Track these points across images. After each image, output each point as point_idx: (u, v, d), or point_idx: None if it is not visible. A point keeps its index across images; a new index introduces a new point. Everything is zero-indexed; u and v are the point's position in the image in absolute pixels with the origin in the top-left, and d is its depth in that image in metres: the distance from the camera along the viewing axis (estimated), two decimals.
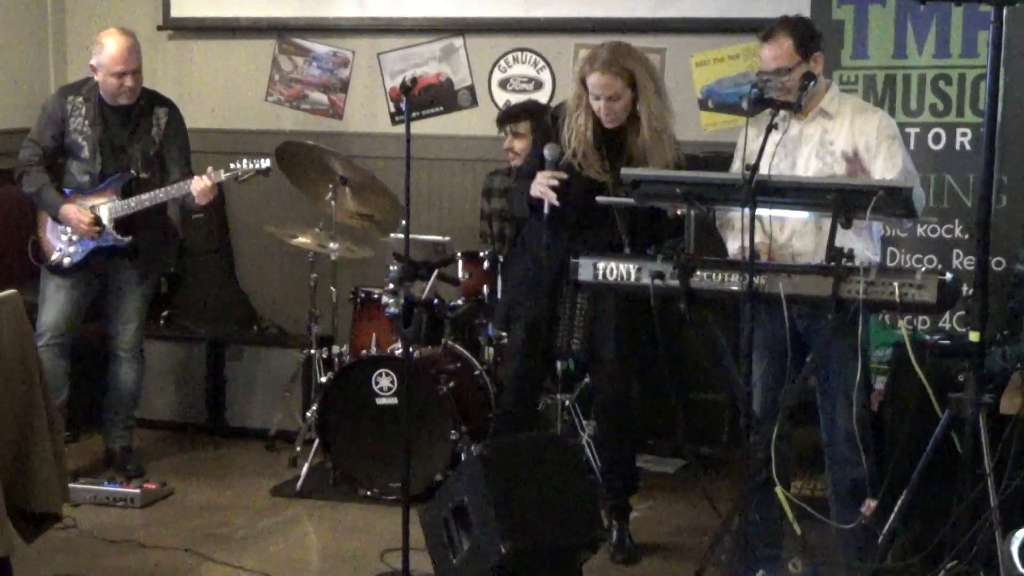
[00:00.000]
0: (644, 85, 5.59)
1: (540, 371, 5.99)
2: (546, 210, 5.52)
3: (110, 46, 6.46)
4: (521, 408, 5.94)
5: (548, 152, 5.59)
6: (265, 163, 6.56)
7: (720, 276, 4.80)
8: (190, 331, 7.72)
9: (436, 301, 6.61)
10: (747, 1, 7.11)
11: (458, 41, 7.72)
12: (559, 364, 6.23)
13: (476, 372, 6.64)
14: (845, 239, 4.72)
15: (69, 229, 6.54)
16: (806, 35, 5.17)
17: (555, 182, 5.49)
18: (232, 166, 6.50)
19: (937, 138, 6.57)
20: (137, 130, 6.59)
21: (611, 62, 5.53)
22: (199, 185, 6.38)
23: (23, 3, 8.20)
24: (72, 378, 6.72)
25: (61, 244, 6.58)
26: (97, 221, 6.50)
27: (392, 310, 6.52)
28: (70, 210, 6.50)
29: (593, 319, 5.67)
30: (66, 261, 6.58)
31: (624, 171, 5.14)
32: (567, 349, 5.73)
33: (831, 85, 5.30)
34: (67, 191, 6.57)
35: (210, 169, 6.44)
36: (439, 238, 6.90)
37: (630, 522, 5.98)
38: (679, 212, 5.12)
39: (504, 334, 6.23)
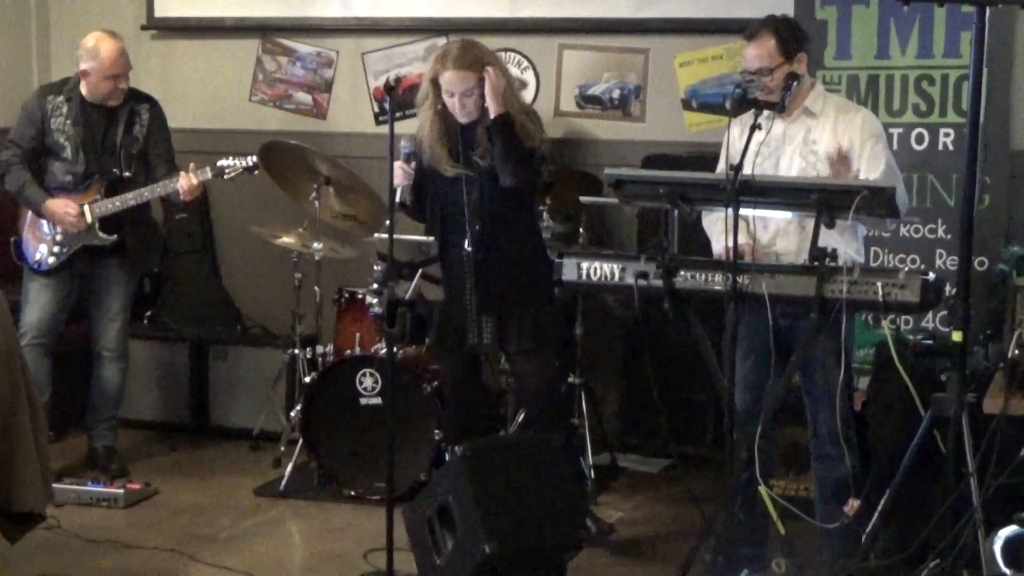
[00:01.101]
0: (495, 74, 5.61)
1: (470, 370, 6.01)
2: (397, 196, 5.58)
3: (105, 51, 6.45)
4: (466, 415, 5.99)
5: (403, 144, 5.66)
6: (251, 160, 6.56)
7: (704, 276, 4.81)
8: (174, 331, 7.71)
9: (420, 301, 6.61)
10: (730, 1, 7.10)
11: (442, 41, 7.70)
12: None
13: None
14: (828, 239, 4.73)
15: (54, 228, 6.52)
16: (790, 35, 5.18)
17: (398, 171, 5.56)
18: (218, 164, 6.50)
19: (920, 138, 6.58)
20: (120, 128, 6.58)
21: (461, 60, 5.58)
22: (185, 183, 6.38)
23: (6, 3, 8.17)
24: (56, 378, 6.72)
25: (44, 244, 6.57)
26: (80, 220, 6.48)
27: (376, 310, 6.52)
28: (55, 204, 6.48)
29: (497, 312, 5.70)
30: (50, 261, 6.57)
31: (608, 171, 5.14)
32: (480, 344, 5.76)
33: (815, 84, 5.31)
34: (51, 191, 6.56)
35: (192, 166, 6.43)
36: (423, 238, 6.88)
37: (607, 520, 6.00)
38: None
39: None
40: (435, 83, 5.62)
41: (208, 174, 6.45)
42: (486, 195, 5.62)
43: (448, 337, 5.83)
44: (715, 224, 5.24)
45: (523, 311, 5.69)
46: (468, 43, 5.70)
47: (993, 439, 4.46)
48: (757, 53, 5.16)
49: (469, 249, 5.64)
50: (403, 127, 7.24)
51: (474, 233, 5.64)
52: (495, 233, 5.63)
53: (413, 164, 5.64)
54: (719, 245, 5.19)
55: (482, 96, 5.58)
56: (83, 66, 6.52)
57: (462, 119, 5.63)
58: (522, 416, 6.45)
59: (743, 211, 4.69)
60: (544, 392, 5.85)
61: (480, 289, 5.67)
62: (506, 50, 7.56)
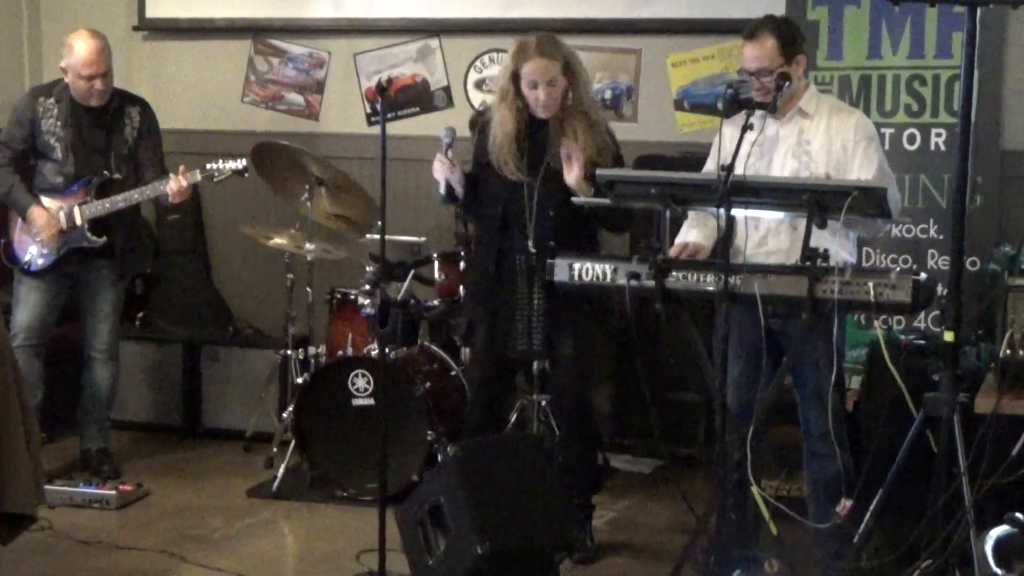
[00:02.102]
0: (578, 71, 5.64)
1: (505, 376, 5.98)
2: (441, 191, 5.57)
3: (79, 48, 6.44)
4: (487, 416, 5.93)
5: (441, 133, 5.63)
6: (241, 163, 6.55)
7: (695, 276, 4.81)
8: (166, 332, 7.71)
9: (412, 302, 6.61)
10: (722, 2, 7.11)
11: (434, 42, 7.71)
12: (535, 364, 6.22)
13: (452, 373, 6.64)
14: (820, 239, 4.73)
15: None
16: (790, 36, 5.17)
17: (441, 163, 5.55)
18: (208, 166, 6.49)
19: (912, 138, 6.59)
20: (110, 130, 6.58)
21: (544, 47, 5.56)
22: (175, 185, 6.37)
23: None
24: (47, 379, 6.71)
25: (34, 246, 6.56)
26: (65, 228, 6.46)
27: (368, 311, 6.52)
28: (38, 213, 6.47)
29: (550, 318, 5.67)
30: (39, 262, 6.56)
31: (599, 172, 5.14)
32: (528, 350, 5.73)
33: (809, 85, 5.31)
34: (41, 192, 6.55)
35: (182, 168, 6.43)
36: (415, 239, 6.90)
37: (594, 520, 5.98)
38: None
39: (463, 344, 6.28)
40: (515, 78, 5.57)
41: (198, 177, 6.45)
42: (551, 201, 5.58)
43: (497, 342, 5.77)
44: (688, 221, 5.25)
45: (575, 319, 5.66)
46: (546, 35, 5.66)
47: (984, 439, 4.47)
48: (757, 53, 5.14)
49: (533, 251, 5.59)
50: (395, 128, 7.28)
51: (538, 239, 5.60)
52: (556, 240, 5.55)
53: (451, 154, 5.60)
54: (680, 238, 5.20)
55: (564, 89, 5.57)
56: (62, 63, 6.52)
57: (543, 113, 5.57)
58: (515, 418, 6.46)
59: (735, 211, 4.69)
60: (580, 399, 5.85)
61: (539, 295, 5.64)
62: (497, 51, 7.56)
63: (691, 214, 5.21)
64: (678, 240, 5.20)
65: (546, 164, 5.58)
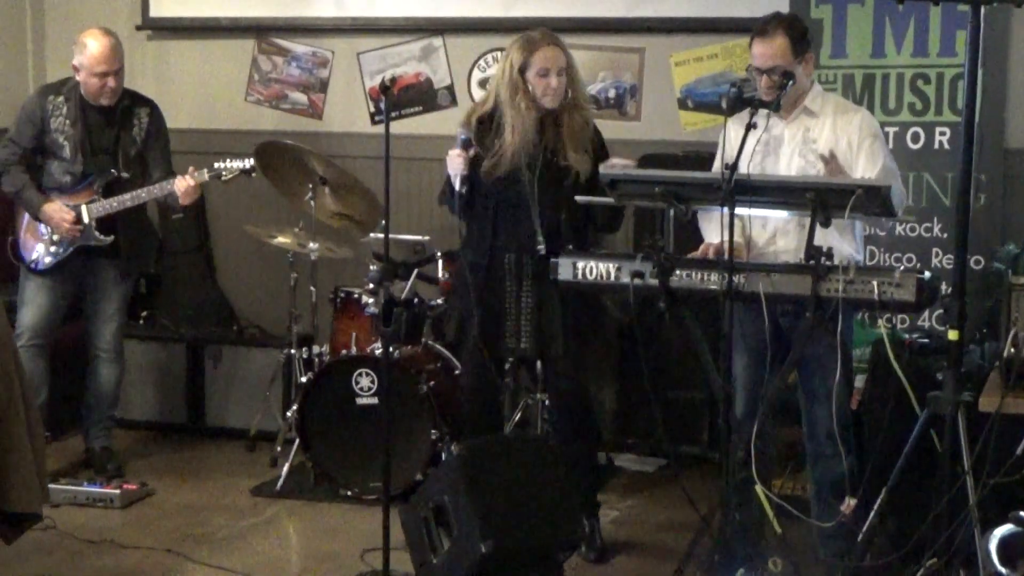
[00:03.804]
0: (575, 67, 5.68)
1: (497, 374, 5.96)
2: (456, 186, 5.57)
3: (92, 46, 6.44)
4: (481, 414, 5.94)
5: (460, 131, 5.64)
6: (249, 163, 6.55)
7: (700, 275, 4.81)
8: (170, 331, 7.71)
9: (416, 300, 6.61)
10: (726, 1, 7.11)
11: (437, 41, 7.71)
12: (539, 363, 6.22)
13: (456, 371, 6.63)
14: (827, 238, 4.73)
15: (50, 229, 6.52)
16: (800, 35, 5.17)
17: (456, 160, 5.54)
18: (216, 165, 6.50)
19: (916, 137, 6.59)
20: (119, 130, 6.58)
21: (553, 38, 5.61)
22: (183, 185, 6.38)
23: (1, 3, 8.17)
24: (52, 378, 6.71)
25: (41, 244, 6.56)
26: (79, 220, 6.48)
27: (372, 310, 6.52)
28: (52, 209, 6.48)
29: (540, 316, 5.66)
30: (46, 261, 6.56)
31: (602, 170, 5.14)
32: (517, 348, 5.73)
33: (814, 84, 5.31)
34: (48, 190, 6.56)
35: (192, 168, 6.44)
36: (418, 237, 6.89)
37: (603, 519, 5.99)
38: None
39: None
40: (522, 71, 5.57)
41: (205, 176, 6.45)
42: (547, 197, 5.58)
43: (488, 340, 5.77)
44: (709, 223, 5.24)
45: (565, 318, 5.65)
46: (545, 29, 5.73)
47: (989, 438, 4.46)
48: (767, 51, 5.13)
49: (541, 248, 5.56)
50: (399, 127, 7.28)
51: (539, 235, 5.58)
52: (552, 238, 5.55)
53: (471, 152, 5.59)
54: (707, 241, 5.20)
55: (571, 78, 5.59)
56: (74, 61, 6.53)
57: (551, 103, 5.57)
58: (518, 416, 6.46)
59: (739, 210, 4.69)
60: (578, 399, 5.85)
61: (520, 293, 5.63)
62: (501, 49, 7.53)
63: (710, 213, 5.20)
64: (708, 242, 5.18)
65: (542, 161, 5.58)
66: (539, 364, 6.04)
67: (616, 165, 5.44)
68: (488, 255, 5.71)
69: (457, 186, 5.58)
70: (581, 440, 5.85)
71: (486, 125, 5.69)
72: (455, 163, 5.57)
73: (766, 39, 5.13)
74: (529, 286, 5.60)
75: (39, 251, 6.57)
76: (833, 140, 5.14)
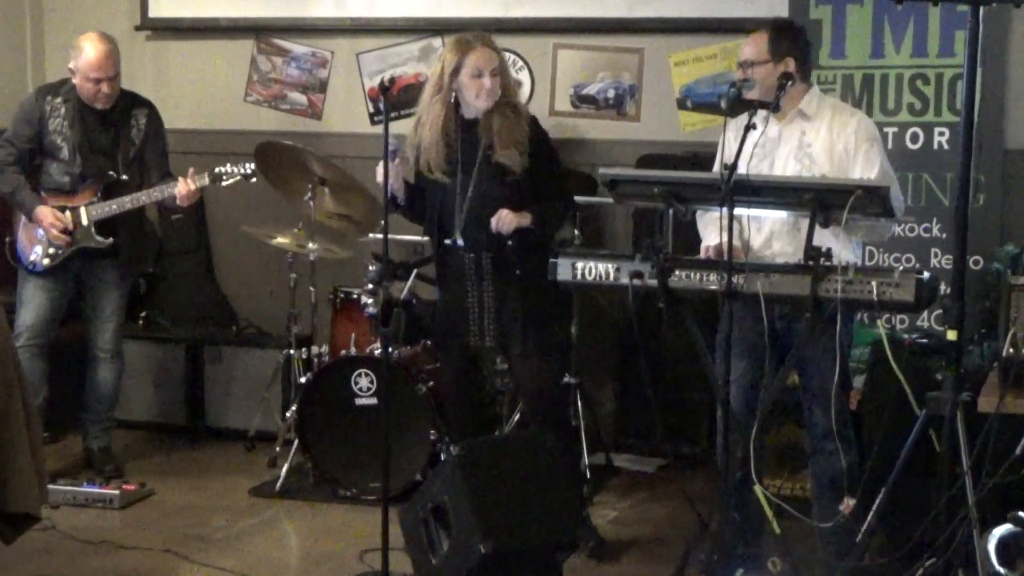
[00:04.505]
0: (506, 67, 5.72)
1: (469, 372, 5.99)
2: (387, 195, 5.58)
3: (88, 51, 6.44)
4: (464, 415, 5.96)
5: (392, 143, 5.63)
6: (250, 167, 6.55)
7: (699, 276, 4.82)
8: (169, 332, 7.71)
9: (415, 301, 6.60)
10: (725, 1, 7.11)
11: (437, 41, 7.71)
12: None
13: None
14: (823, 238, 4.73)
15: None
16: (784, 37, 5.20)
17: (379, 167, 5.52)
18: (217, 169, 6.50)
19: (915, 137, 6.59)
20: (117, 131, 6.59)
21: (487, 39, 5.65)
22: (183, 189, 6.38)
23: (0, 4, 8.17)
24: (50, 379, 6.71)
25: (39, 245, 6.56)
26: (76, 223, 6.47)
27: (371, 310, 6.51)
28: (44, 212, 6.48)
29: (500, 313, 5.68)
30: (45, 262, 6.56)
31: (603, 171, 5.15)
32: (481, 346, 5.75)
33: (810, 88, 5.31)
34: (47, 192, 6.56)
35: (192, 171, 6.43)
36: (417, 238, 6.88)
37: (597, 520, 6.00)
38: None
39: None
40: (454, 73, 5.59)
41: (206, 180, 6.45)
42: (485, 197, 5.60)
43: (450, 338, 5.82)
44: (708, 225, 5.24)
45: (525, 313, 5.67)
46: (481, 31, 5.77)
47: (988, 438, 4.46)
48: (747, 46, 5.25)
49: (470, 253, 5.62)
50: (398, 127, 7.25)
51: (470, 235, 5.63)
52: (494, 235, 5.60)
53: (397, 161, 5.60)
54: (707, 243, 5.21)
55: (504, 78, 5.61)
56: (70, 64, 6.53)
57: (486, 103, 5.58)
58: (517, 417, 6.48)
59: (737, 212, 4.69)
60: (544, 394, 5.83)
61: (481, 291, 5.66)
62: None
63: (708, 215, 5.20)
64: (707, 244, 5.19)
65: (481, 159, 5.59)
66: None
67: (504, 219, 5.51)
68: (439, 255, 5.77)
69: (388, 194, 5.58)
70: (554, 436, 5.84)
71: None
72: (378, 172, 5.53)
73: (753, 34, 5.25)
74: (489, 284, 5.63)
75: (37, 252, 6.57)
76: (829, 143, 5.14)
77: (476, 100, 5.59)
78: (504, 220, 5.51)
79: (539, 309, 5.66)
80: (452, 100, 5.62)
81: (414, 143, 5.71)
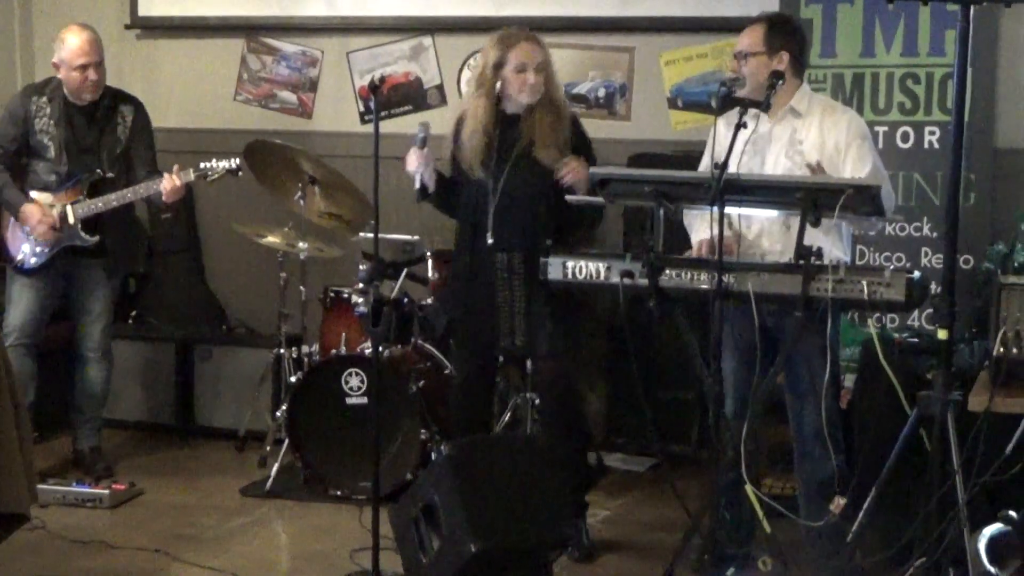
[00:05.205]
0: (552, 66, 5.69)
1: (487, 374, 5.97)
2: (416, 184, 5.60)
3: (71, 40, 6.45)
4: (472, 415, 5.93)
5: (418, 129, 5.65)
6: (235, 163, 6.54)
7: (689, 275, 4.81)
8: (159, 331, 7.70)
9: (406, 300, 6.60)
10: (716, 0, 7.11)
11: (427, 40, 7.71)
12: (528, 362, 6.22)
13: (446, 371, 6.63)
14: (814, 237, 4.73)
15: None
16: (780, 29, 5.20)
17: (411, 157, 5.57)
18: (202, 165, 6.49)
19: (905, 136, 6.59)
20: (103, 129, 6.58)
21: (531, 35, 5.64)
22: (168, 185, 6.37)
23: None
24: (39, 378, 6.69)
25: (26, 244, 6.54)
26: (59, 225, 6.45)
27: (362, 309, 6.51)
28: (31, 210, 6.46)
29: (529, 313, 5.66)
30: (32, 261, 6.55)
31: (593, 170, 5.15)
32: (511, 346, 5.74)
33: (802, 85, 5.31)
34: (33, 191, 6.54)
35: (176, 168, 6.42)
36: (408, 237, 6.88)
37: (589, 519, 5.98)
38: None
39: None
40: (497, 67, 5.57)
41: (191, 176, 6.44)
42: (517, 196, 5.58)
43: (477, 338, 5.79)
44: (695, 218, 5.24)
45: (552, 313, 5.63)
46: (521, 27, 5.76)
47: (978, 437, 4.47)
48: (743, 38, 5.25)
49: (500, 252, 5.61)
50: (388, 126, 7.27)
51: (501, 234, 5.61)
52: (528, 236, 5.56)
53: (426, 149, 5.59)
54: (697, 237, 5.21)
55: (548, 75, 5.59)
56: (54, 59, 6.52)
57: (528, 98, 5.57)
58: (508, 417, 6.46)
59: (728, 209, 4.69)
60: (566, 395, 5.83)
61: (512, 291, 5.63)
62: None
63: (697, 214, 5.20)
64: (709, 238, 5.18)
65: (518, 156, 5.58)
66: (530, 364, 6.06)
67: (572, 168, 5.47)
68: (470, 253, 5.71)
69: (416, 183, 5.60)
70: (569, 439, 5.84)
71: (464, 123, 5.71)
72: (410, 161, 5.60)
73: (748, 27, 5.25)
74: (519, 283, 5.61)
75: (25, 251, 6.56)
76: (820, 141, 5.14)
77: (519, 95, 5.58)
78: (572, 169, 5.47)
79: (565, 310, 5.65)
80: (495, 95, 5.59)
81: (452, 137, 5.69)
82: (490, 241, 5.61)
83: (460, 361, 6.00)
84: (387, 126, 7.10)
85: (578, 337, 5.88)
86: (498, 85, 5.58)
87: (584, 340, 6.09)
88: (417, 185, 5.62)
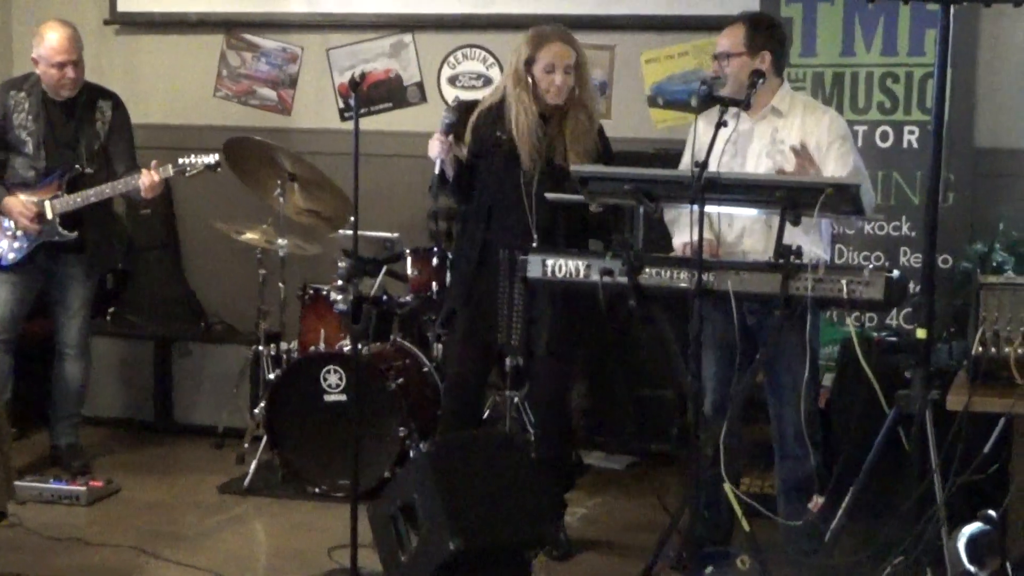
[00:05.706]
0: (585, 68, 5.66)
1: (482, 368, 5.95)
2: (435, 170, 5.55)
3: (50, 37, 6.43)
4: (463, 408, 5.89)
5: (445, 115, 5.63)
6: (213, 158, 6.52)
7: (669, 273, 4.81)
8: (137, 327, 7.68)
9: (385, 298, 6.60)
10: None
11: (408, 37, 7.70)
12: (507, 360, 6.21)
13: (425, 369, 6.63)
14: (794, 236, 4.73)
15: (12, 224, 6.48)
16: (761, 29, 5.21)
17: (435, 143, 5.54)
18: (180, 161, 6.47)
19: (885, 136, 6.60)
20: (81, 124, 6.55)
21: (565, 35, 5.60)
22: (147, 180, 6.35)
23: None
24: (17, 375, 6.68)
25: (4, 240, 6.52)
26: (41, 216, 6.44)
27: (341, 306, 6.50)
28: (13, 203, 6.44)
29: (529, 312, 5.65)
30: (10, 256, 6.52)
31: (573, 168, 5.14)
32: (509, 344, 5.71)
33: (783, 84, 5.32)
34: (12, 186, 6.52)
35: (154, 163, 6.40)
36: (388, 235, 6.88)
37: (567, 517, 5.98)
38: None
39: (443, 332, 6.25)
40: (528, 65, 5.54)
41: (170, 171, 6.42)
42: (547, 199, 5.54)
43: (476, 331, 5.77)
44: (677, 220, 5.24)
45: (553, 314, 5.61)
46: (562, 26, 5.74)
47: (957, 436, 4.47)
48: (724, 38, 5.26)
49: (506, 250, 5.57)
50: (368, 123, 7.26)
51: (505, 234, 5.58)
52: (548, 234, 5.55)
53: (450, 137, 5.57)
54: (679, 240, 5.20)
55: (580, 77, 5.57)
56: (33, 54, 6.50)
57: (554, 99, 5.53)
58: (487, 414, 6.45)
59: (708, 208, 4.69)
60: (557, 397, 5.83)
61: (512, 289, 5.59)
62: (472, 46, 7.56)
63: (679, 213, 5.19)
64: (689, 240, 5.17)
65: (545, 159, 5.55)
66: (509, 362, 6.04)
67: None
68: (480, 249, 5.69)
69: (436, 169, 5.56)
70: (556, 440, 5.83)
71: (490, 116, 5.68)
72: (434, 146, 5.56)
73: (728, 27, 5.24)
74: (521, 283, 5.59)
75: (2, 247, 6.52)
76: (801, 140, 5.14)
77: (546, 96, 5.54)
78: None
79: (566, 311, 5.64)
80: (532, 90, 5.55)
81: (491, 132, 5.64)
82: (535, 236, 5.52)
83: (457, 354, 5.96)
84: (367, 123, 7.09)
85: (579, 339, 5.84)
86: (530, 81, 5.55)
87: (584, 341, 6.04)
88: (437, 170, 5.58)
